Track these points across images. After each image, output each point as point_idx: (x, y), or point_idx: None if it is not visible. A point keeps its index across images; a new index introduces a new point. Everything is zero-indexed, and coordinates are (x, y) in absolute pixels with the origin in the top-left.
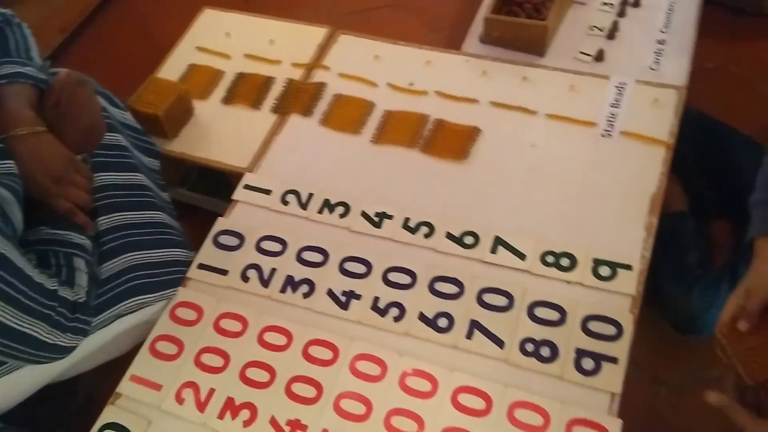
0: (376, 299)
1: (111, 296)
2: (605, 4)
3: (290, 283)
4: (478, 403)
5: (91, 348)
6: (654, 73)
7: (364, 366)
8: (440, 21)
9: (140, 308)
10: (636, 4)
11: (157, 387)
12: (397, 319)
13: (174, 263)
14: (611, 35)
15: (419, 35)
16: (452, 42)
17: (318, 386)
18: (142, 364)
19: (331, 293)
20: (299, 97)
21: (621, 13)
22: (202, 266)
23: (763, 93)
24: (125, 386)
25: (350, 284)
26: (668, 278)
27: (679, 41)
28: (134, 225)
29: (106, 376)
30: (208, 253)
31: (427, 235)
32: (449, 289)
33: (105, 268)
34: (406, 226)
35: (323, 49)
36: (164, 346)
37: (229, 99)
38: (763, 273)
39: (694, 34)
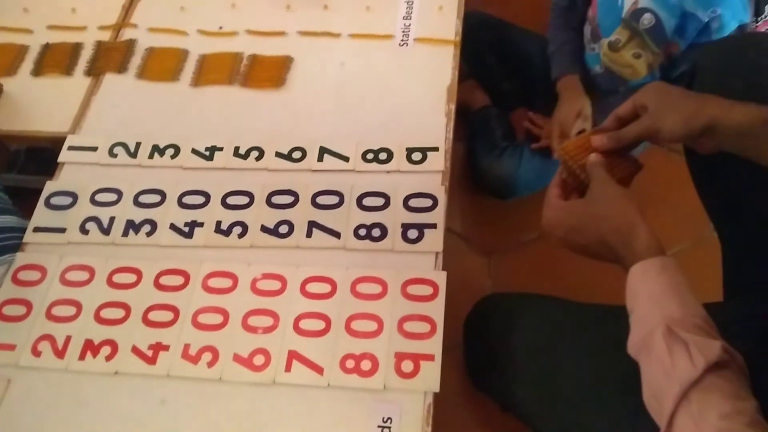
0: (219, 223)
1: None
2: None
3: (131, 226)
4: (324, 288)
5: None
6: None
7: (215, 282)
8: None
9: None
10: None
11: (11, 347)
12: (240, 235)
13: (4, 230)
14: None
15: None
16: None
17: (174, 310)
18: None
19: (173, 227)
20: (111, 57)
21: None
22: (37, 229)
23: None
24: None
25: (191, 215)
26: (481, 155)
27: None
28: None
29: None
30: (41, 215)
31: (257, 158)
32: (285, 200)
33: None
34: (237, 154)
35: (128, 9)
36: (11, 309)
37: (38, 70)
38: (564, 107)
39: None
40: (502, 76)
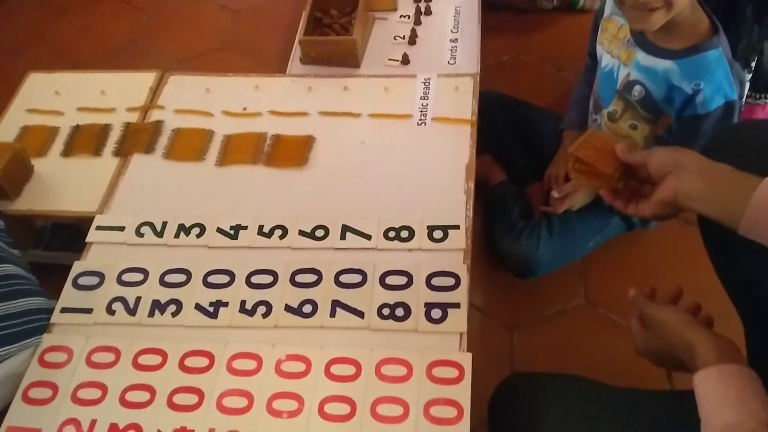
0: (243, 302)
1: None
2: (402, 16)
3: (157, 306)
4: (348, 370)
5: None
6: (452, 67)
7: (240, 364)
8: (267, 56)
9: (2, 359)
10: (428, 13)
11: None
12: (265, 315)
13: (32, 312)
14: (412, 41)
15: (251, 71)
16: (282, 73)
17: (199, 392)
18: (17, 413)
19: (199, 307)
20: (139, 138)
21: (417, 22)
22: (65, 310)
23: (550, 73)
24: None
25: (216, 295)
26: (500, 235)
27: (467, 37)
28: None
29: None
30: (69, 296)
31: (281, 237)
32: (309, 278)
33: None
34: (261, 233)
35: (155, 91)
36: (37, 392)
37: (68, 151)
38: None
39: (478, 30)
40: (517, 152)
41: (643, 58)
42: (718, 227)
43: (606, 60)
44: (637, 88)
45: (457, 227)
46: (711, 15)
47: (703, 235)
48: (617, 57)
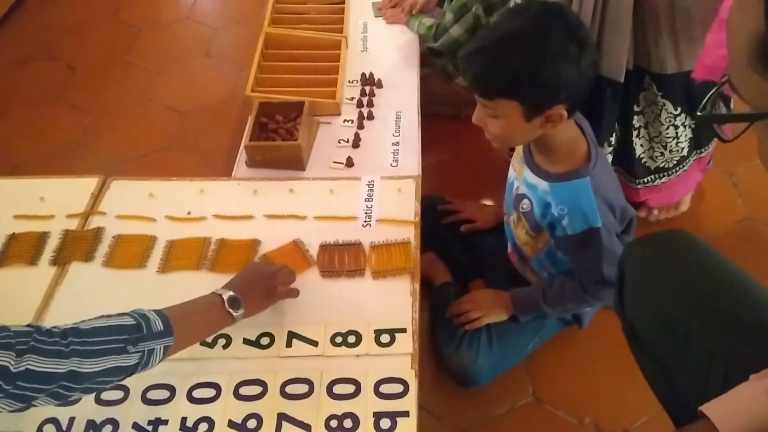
0: (184, 420)
1: None
2: (346, 120)
3: (92, 427)
4: None
5: None
6: (394, 169)
7: None
8: (214, 157)
9: None
10: (370, 117)
11: None
12: None
13: None
14: (356, 144)
15: (197, 172)
16: (228, 173)
17: None
18: None
19: (137, 426)
20: (78, 245)
21: (360, 126)
22: None
23: (488, 171)
24: None
25: (155, 412)
26: (442, 342)
27: (408, 141)
28: None
29: None
30: None
31: (225, 346)
32: (253, 390)
33: None
34: (203, 343)
35: (96, 197)
36: None
37: (2, 261)
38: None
39: (418, 133)
40: (459, 251)
41: (529, 175)
42: (643, 337)
43: (510, 172)
44: (525, 202)
45: (404, 330)
46: (591, 143)
47: (629, 344)
48: (516, 170)
